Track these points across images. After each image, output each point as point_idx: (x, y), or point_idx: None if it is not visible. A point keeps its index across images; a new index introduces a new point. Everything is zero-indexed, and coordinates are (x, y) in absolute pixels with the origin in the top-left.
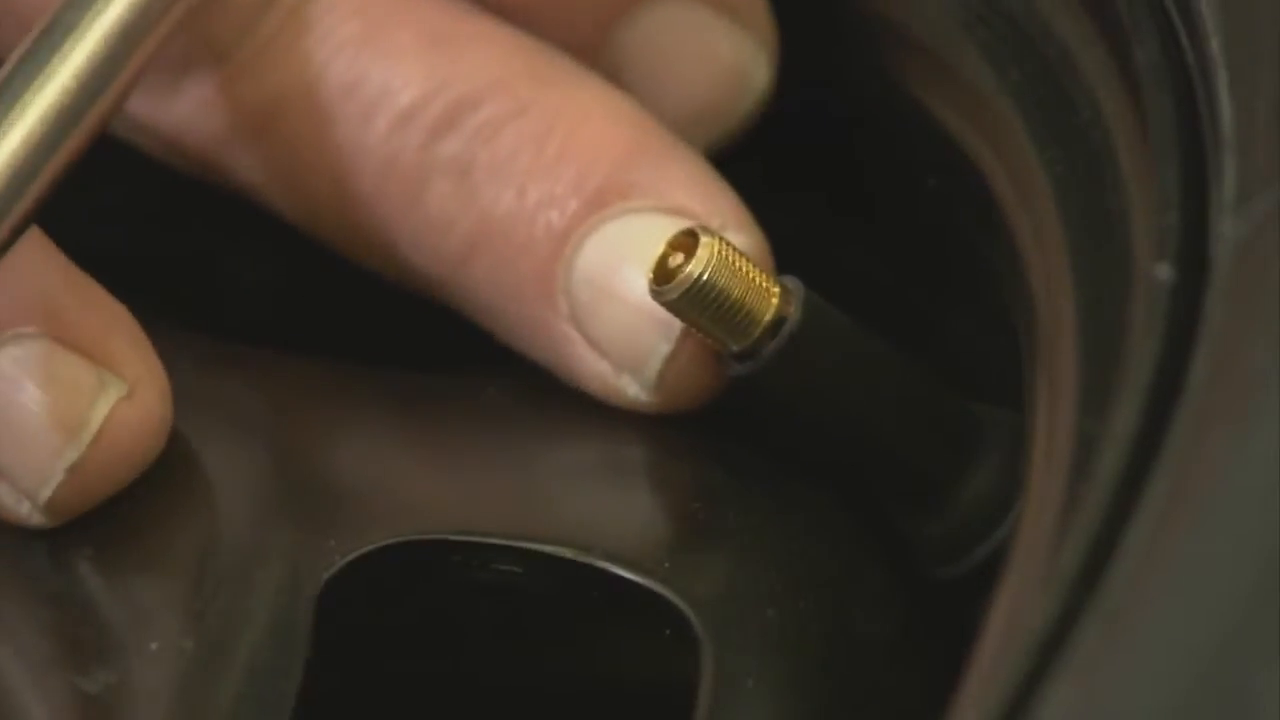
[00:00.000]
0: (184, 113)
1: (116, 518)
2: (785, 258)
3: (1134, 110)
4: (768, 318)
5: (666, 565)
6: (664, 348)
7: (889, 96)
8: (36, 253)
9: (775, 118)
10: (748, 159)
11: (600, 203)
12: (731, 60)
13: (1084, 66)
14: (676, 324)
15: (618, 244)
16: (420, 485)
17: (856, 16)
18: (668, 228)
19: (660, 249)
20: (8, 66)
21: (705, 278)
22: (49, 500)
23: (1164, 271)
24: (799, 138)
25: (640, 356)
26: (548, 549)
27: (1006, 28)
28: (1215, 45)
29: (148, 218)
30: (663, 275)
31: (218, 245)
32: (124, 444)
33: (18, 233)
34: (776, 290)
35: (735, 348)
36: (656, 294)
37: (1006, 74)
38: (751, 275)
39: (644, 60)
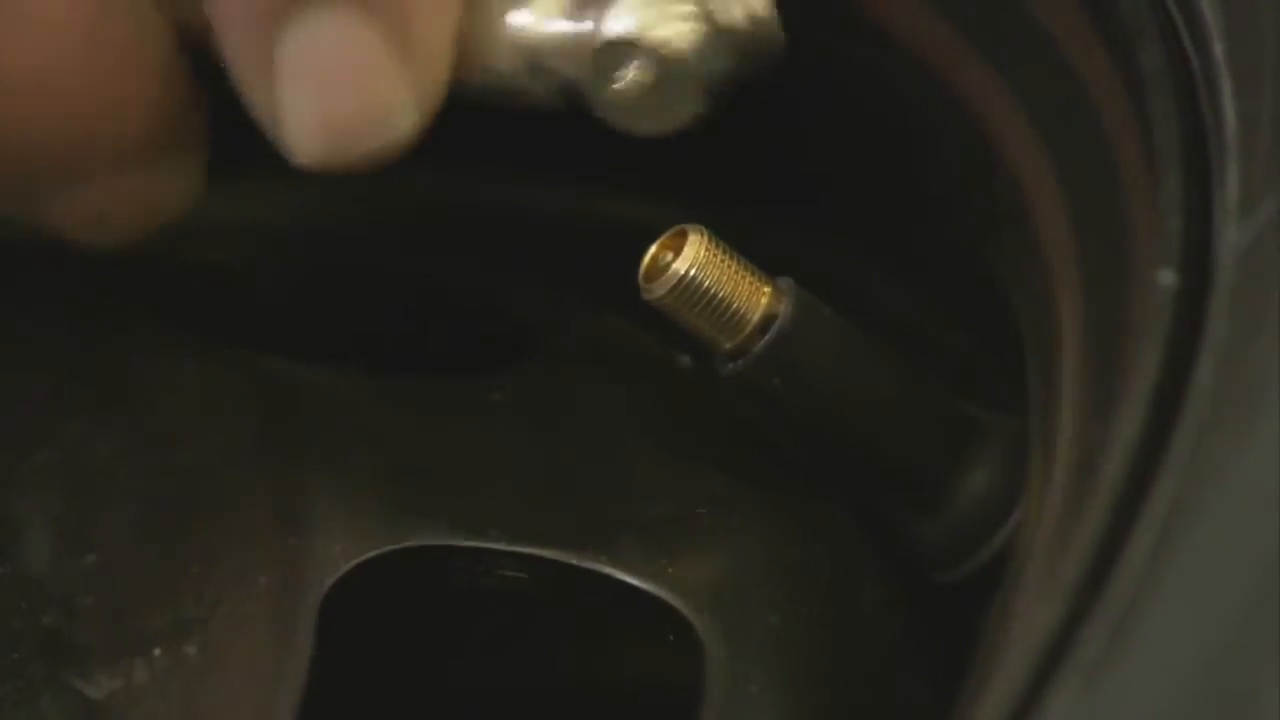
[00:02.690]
0: None
1: (119, 522)
2: (783, 261)
3: (1137, 115)
4: (758, 315)
5: (670, 570)
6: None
7: (892, 101)
8: None
9: (776, 119)
10: (747, 162)
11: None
12: (378, 96)
13: (1087, 71)
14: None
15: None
16: (424, 491)
17: (859, 21)
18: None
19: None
20: None
21: (692, 274)
22: None
23: (1168, 277)
24: (800, 140)
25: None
26: (551, 554)
27: (1008, 32)
28: (1219, 50)
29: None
30: (652, 273)
31: (224, 252)
32: None
33: None
34: (768, 288)
35: (727, 345)
36: (646, 291)
37: (1009, 78)
38: (742, 273)
39: (298, 64)
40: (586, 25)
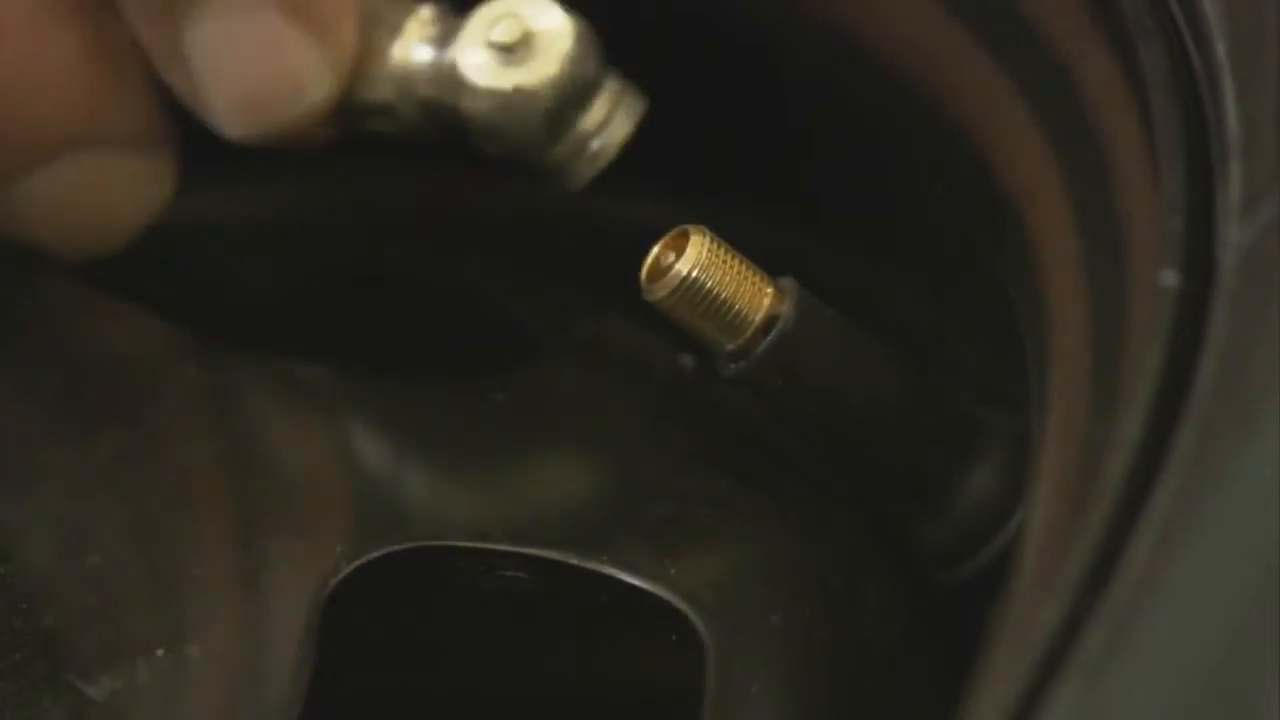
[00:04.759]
0: None
1: (121, 523)
2: (785, 262)
3: (1140, 115)
4: (760, 316)
5: (672, 571)
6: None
7: (894, 101)
8: None
9: (777, 119)
10: (753, 164)
11: None
12: (287, 65)
13: (1089, 71)
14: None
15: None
16: (425, 492)
17: (863, 19)
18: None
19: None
20: None
21: (694, 275)
22: None
23: (1170, 277)
24: (803, 141)
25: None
26: (553, 555)
27: (1011, 32)
28: (1221, 50)
29: (156, 226)
30: (654, 273)
31: (223, 253)
32: None
33: None
34: (770, 289)
35: (729, 346)
36: (648, 292)
37: (1012, 79)
38: (744, 274)
39: (206, 47)
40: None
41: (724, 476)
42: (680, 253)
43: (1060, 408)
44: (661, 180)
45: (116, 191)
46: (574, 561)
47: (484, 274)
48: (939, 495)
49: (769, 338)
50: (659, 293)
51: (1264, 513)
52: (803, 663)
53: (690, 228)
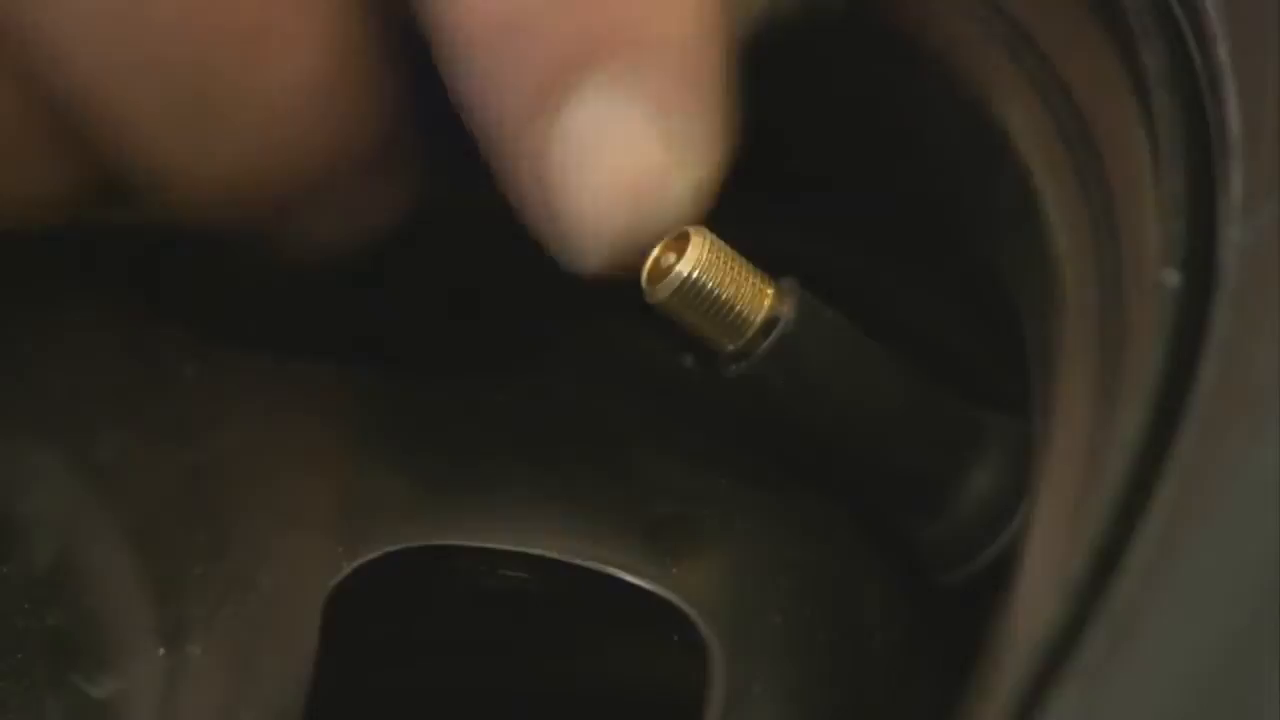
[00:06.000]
0: None
1: (123, 523)
2: (786, 261)
3: (1141, 115)
4: (761, 317)
5: (674, 571)
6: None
7: (895, 100)
8: None
9: (777, 118)
10: (753, 163)
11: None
12: (648, 175)
13: (1089, 71)
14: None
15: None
16: (427, 492)
17: (863, 16)
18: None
19: (655, 250)
20: None
21: (695, 276)
22: None
23: (1171, 277)
24: (805, 140)
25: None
26: (554, 555)
27: (1013, 32)
28: (1223, 50)
29: (154, 225)
30: (655, 274)
31: (224, 251)
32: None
33: None
34: (770, 290)
35: (730, 347)
36: (649, 293)
37: (1014, 79)
38: (745, 274)
39: (567, 154)
40: None
41: (725, 477)
42: (681, 254)
43: (1061, 408)
44: None
45: (364, 215)
46: (575, 561)
47: (484, 274)
48: (940, 496)
49: (770, 338)
50: (660, 294)
51: (1265, 512)
52: (804, 663)
53: (690, 228)
